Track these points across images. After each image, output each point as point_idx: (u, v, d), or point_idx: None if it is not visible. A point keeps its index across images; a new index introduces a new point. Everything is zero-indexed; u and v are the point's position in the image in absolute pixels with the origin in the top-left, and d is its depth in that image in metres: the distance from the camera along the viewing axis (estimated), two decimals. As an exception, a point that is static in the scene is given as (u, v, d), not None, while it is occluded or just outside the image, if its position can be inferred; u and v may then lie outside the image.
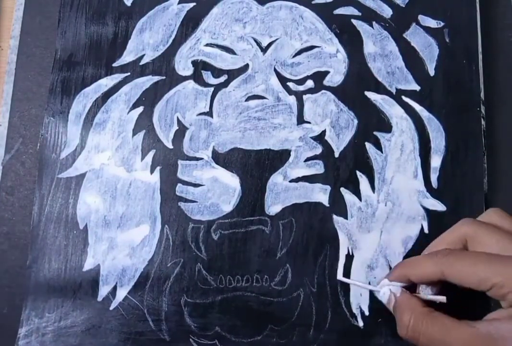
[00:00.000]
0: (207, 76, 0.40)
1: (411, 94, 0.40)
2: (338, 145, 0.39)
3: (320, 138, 0.39)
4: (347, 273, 0.37)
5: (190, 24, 0.41)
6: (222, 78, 0.40)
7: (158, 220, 0.38)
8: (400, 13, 0.42)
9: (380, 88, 0.40)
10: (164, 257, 0.38)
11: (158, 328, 0.37)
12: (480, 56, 0.41)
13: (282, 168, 0.39)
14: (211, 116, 0.39)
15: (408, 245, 0.38)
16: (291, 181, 0.39)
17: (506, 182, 0.41)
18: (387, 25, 0.41)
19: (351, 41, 0.41)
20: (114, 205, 0.38)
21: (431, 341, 0.31)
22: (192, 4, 0.41)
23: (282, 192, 0.38)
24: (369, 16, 0.41)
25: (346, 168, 0.39)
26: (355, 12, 0.41)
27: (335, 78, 0.40)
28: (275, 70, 0.40)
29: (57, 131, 0.39)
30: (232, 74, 0.40)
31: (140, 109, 0.39)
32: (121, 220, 0.38)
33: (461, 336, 0.29)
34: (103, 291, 0.37)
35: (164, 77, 0.40)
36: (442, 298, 0.33)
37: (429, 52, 0.41)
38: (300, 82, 0.40)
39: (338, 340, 0.37)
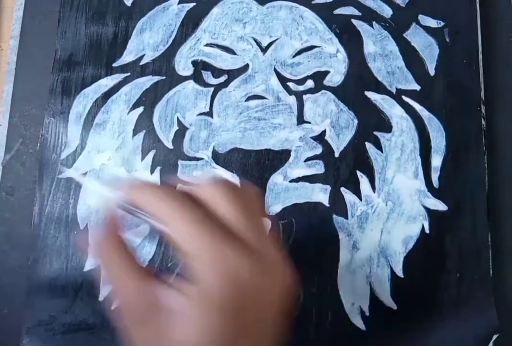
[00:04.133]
0: (207, 76, 0.40)
1: (411, 94, 0.40)
2: (338, 145, 0.39)
3: (320, 138, 0.39)
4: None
5: (190, 24, 0.41)
6: (222, 78, 0.40)
7: (159, 220, 0.38)
8: (400, 13, 0.41)
9: (380, 88, 0.40)
10: (164, 258, 0.38)
11: (159, 328, 0.37)
12: (480, 56, 0.41)
13: (282, 168, 0.39)
14: (211, 116, 0.39)
15: (409, 245, 0.38)
16: (291, 181, 0.39)
17: (507, 181, 0.41)
18: (387, 25, 0.41)
19: (351, 41, 0.41)
20: (115, 205, 0.38)
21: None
22: (192, 4, 0.41)
23: (282, 192, 0.38)
24: (369, 16, 0.41)
25: (347, 168, 0.39)
26: (355, 12, 0.41)
27: (335, 78, 0.40)
28: (275, 70, 0.40)
29: (57, 131, 0.39)
30: (232, 74, 0.40)
31: (140, 109, 0.39)
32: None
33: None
34: (104, 291, 0.37)
35: (164, 77, 0.40)
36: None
37: (429, 52, 0.41)
38: (300, 82, 0.40)
39: (338, 340, 0.37)
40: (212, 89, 0.40)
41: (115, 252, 0.27)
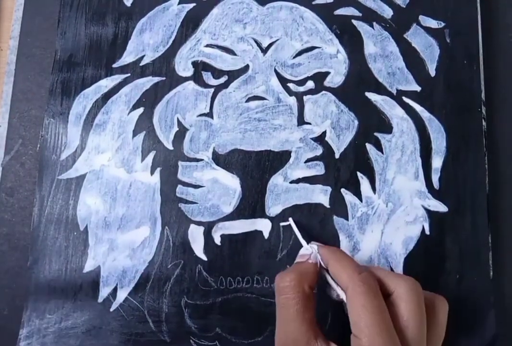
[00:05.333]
0: (207, 77, 0.40)
1: (411, 94, 0.40)
2: (338, 146, 0.39)
3: (320, 139, 0.39)
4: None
5: (190, 24, 0.41)
6: (222, 79, 0.40)
7: (158, 222, 0.38)
8: (400, 13, 0.41)
9: (380, 89, 0.40)
10: (164, 259, 0.37)
11: (159, 330, 0.37)
12: (481, 57, 0.41)
13: (282, 169, 0.39)
14: (212, 117, 0.39)
15: (409, 246, 0.38)
16: (291, 182, 0.38)
17: (507, 182, 0.41)
18: (388, 25, 0.41)
19: (351, 41, 0.41)
20: (114, 207, 0.38)
21: None
22: (192, 5, 0.41)
23: (282, 193, 0.38)
24: (369, 16, 0.41)
25: (347, 169, 0.39)
26: (356, 12, 0.41)
27: (336, 79, 0.40)
28: (275, 71, 0.40)
29: (57, 132, 0.39)
30: (233, 75, 0.40)
31: (140, 110, 0.39)
32: (121, 221, 0.38)
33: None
34: (104, 292, 0.37)
35: (164, 78, 0.40)
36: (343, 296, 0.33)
37: (429, 52, 0.41)
38: (301, 83, 0.40)
39: (338, 340, 0.37)
40: (212, 90, 0.40)
41: (297, 302, 0.31)
